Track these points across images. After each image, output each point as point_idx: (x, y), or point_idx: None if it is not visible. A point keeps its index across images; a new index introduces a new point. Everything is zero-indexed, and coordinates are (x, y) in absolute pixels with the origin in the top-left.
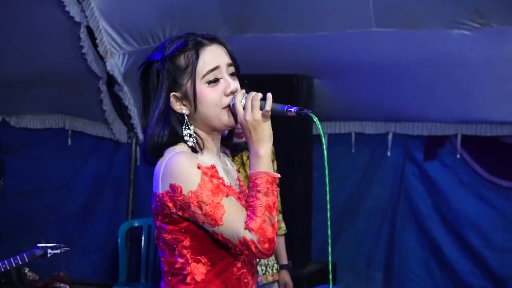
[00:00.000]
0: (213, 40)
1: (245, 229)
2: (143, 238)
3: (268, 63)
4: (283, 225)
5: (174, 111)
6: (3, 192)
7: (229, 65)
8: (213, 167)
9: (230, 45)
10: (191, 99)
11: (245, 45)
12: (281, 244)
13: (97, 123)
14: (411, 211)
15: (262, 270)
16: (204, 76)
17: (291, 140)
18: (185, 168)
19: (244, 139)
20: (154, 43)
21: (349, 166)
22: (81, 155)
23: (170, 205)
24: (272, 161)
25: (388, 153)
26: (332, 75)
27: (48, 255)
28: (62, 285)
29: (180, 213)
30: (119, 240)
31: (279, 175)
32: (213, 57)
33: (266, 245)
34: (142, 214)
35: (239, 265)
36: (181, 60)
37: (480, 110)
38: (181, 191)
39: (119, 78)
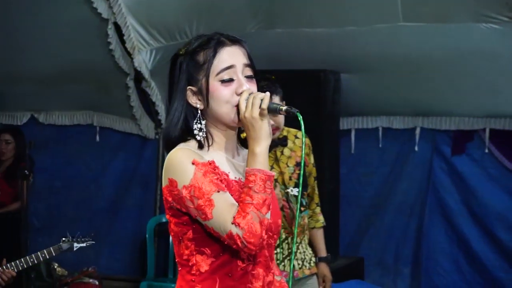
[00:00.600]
0: (235, 41)
1: (232, 223)
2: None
3: (295, 58)
4: (321, 217)
5: (190, 105)
6: (33, 188)
7: (246, 66)
8: (210, 163)
9: (258, 40)
10: (204, 94)
11: (273, 41)
12: (319, 236)
13: (125, 119)
14: (439, 206)
15: (298, 264)
16: (218, 73)
17: (319, 136)
18: (181, 163)
19: (276, 135)
20: (181, 39)
21: (376, 161)
22: (109, 151)
23: (170, 199)
24: (287, 157)
25: (416, 148)
26: (359, 70)
27: (75, 249)
28: (91, 280)
29: (178, 206)
30: (147, 235)
31: (273, 173)
32: (230, 56)
33: (252, 240)
34: None
35: (243, 256)
36: (200, 56)
37: (509, 104)
38: (176, 186)
39: (146, 74)
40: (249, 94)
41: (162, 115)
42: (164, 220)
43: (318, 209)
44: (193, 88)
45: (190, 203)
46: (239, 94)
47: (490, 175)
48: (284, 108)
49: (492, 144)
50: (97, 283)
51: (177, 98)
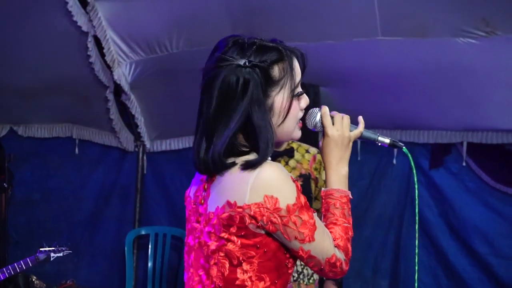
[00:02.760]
0: (293, 50)
1: (334, 247)
2: (150, 246)
3: None
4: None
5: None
6: (12, 200)
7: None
8: (295, 180)
9: None
10: (279, 112)
11: None
12: None
13: (104, 132)
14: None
15: (293, 277)
16: (294, 89)
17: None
18: (283, 181)
19: (284, 146)
20: (161, 52)
21: (355, 174)
22: (88, 164)
23: (258, 217)
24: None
25: (394, 161)
26: (338, 84)
27: (51, 259)
28: None
29: (267, 227)
30: (126, 248)
31: (352, 197)
32: (298, 69)
33: (347, 266)
34: (149, 222)
35: (290, 278)
36: (275, 71)
37: (486, 118)
38: (276, 204)
39: (126, 87)
40: (331, 111)
41: (142, 128)
42: (143, 232)
43: None
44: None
45: (293, 224)
46: (303, 109)
47: (468, 188)
48: (387, 141)
49: (469, 158)
50: None
51: (241, 114)
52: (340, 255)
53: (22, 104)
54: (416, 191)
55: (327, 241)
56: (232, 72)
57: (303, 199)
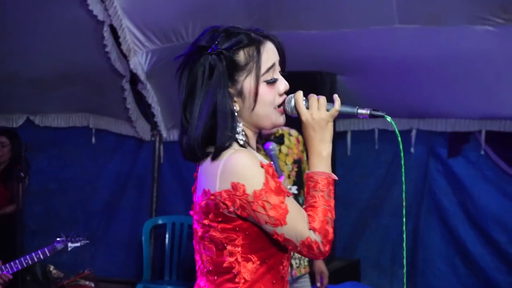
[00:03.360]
0: (268, 37)
1: (309, 229)
2: (167, 235)
3: (291, 60)
4: None
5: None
6: (29, 190)
7: (279, 63)
8: (270, 165)
9: None
10: (249, 97)
11: None
12: None
13: (120, 121)
14: (435, 208)
15: (296, 263)
16: (263, 74)
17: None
18: (249, 167)
19: (272, 131)
20: (177, 41)
21: (372, 163)
22: (105, 153)
23: (229, 203)
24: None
25: (412, 150)
26: (355, 72)
27: (69, 248)
28: (87, 282)
29: (239, 212)
30: (143, 237)
31: (337, 178)
32: (270, 55)
33: (327, 247)
34: (166, 212)
35: (285, 263)
36: (241, 56)
37: (504, 106)
38: (244, 190)
39: (142, 77)
40: (308, 95)
41: (158, 117)
42: (160, 222)
43: None
44: (231, 90)
45: (262, 209)
46: (282, 94)
47: (486, 177)
48: (366, 111)
49: (488, 146)
50: (93, 285)
51: (209, 100)
52: (316, 237)
53: (38, 93)
54: (403, 169)
55: (300, 224)
56: (199, 60)
57: (273, 183)
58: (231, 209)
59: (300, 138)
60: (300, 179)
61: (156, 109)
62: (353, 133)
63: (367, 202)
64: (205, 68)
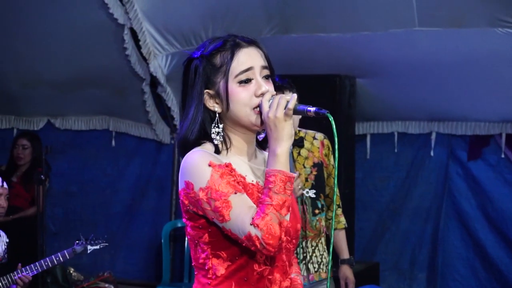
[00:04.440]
0: (251, 42)
1: (251, 224)
2: (186, 238)
3: (310, 63)
4: (342, 219)
5: (207, 109)
6: (50, 192)
7: (264, 67)
8: (227, 165)
9: (273, 45)
10: (223, 97)
11: (288, 46)
12: (340, 238)
13: (140, 124)
14: (455, 211)
15: (314, 268)
16: (236, 75)
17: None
18: (197, 165)
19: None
20: (197, 44)
21: (392, 166)
22: (125, 156)
23: (186, 202)
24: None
25: (432, 153)
26: (375, 75)
27: (89, 251)
28: (106, 285)
29: (194, 209)
30: (162, 240)
31: (294, 175)
32: (248, 58)
33: (271, 242)
34: None
35: (260, 261)
36: (217, 59)
37: None
38: (192, 188)
39: (162, 80)
40: (273, 95)
41: (177, 120)
42: (179, 224)
43: (339, 211)
44: (210, 92)
45: (207, 205)
46: (259, 96)
47: (506, 180)
48: (313, 109)
49: (508, 149)
50: (112, 287)
51: (193, 102)
52: (257, 232)
53: (59, 96)
54: (331, 165)
55: (242, 220)
56: (188, 66)
57: (219, 181)
58: (189, 207)
59: (326, 142)
60: (320, 183)
61: (176, 112)
62: (372, 136)
63: (386, 205)
64: (191, 72)
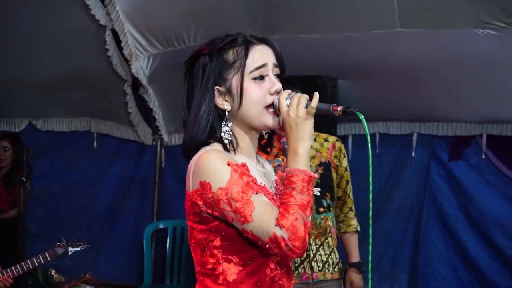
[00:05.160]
0: (263, 40)
1: (276, 225)
2: (168, 239)
3: (293, 64)
4: (354, 222)
5: (216, 106)
6: (31, 194)
7: (276, 66)
8: (244, 165)
9: None
10: (236, 94)
11: None
12: (351, 241)
13: (122, 126)
14: (436, 212)
15: (318, 266)
16: (251, 72)
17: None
18: (215, 165)
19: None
20: (179, 46)
21: (374, 167)
22: (107, 158)
23: (200, 203)
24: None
25: (413, 154)
26: (357, 76)
27: (69, 253)
28: (88, 287)
29: (209, 211)
30: (144, 242)
31: (315, 175)
32: (261, 55)
33: (297, 243)
34: (168, 216)
35: (272, 265)
36: (230, 55)
37: (506, 110)
38: (210, 188)
39: (144, 81)
40: (289, 94)
41: (159, 122)
42: (161, 226)
43: (351, 214)
44: (221, 89)
45: (227, 206)
46: (272, 94)
47: (488, 181)
48: (340, 108)
49: (489, 150)
50: None
51: (203, 99)
52: (283, 233)
53: (40, 98)
54: (370, 169)
55: (267, 221)
56: (194, 62)
57: (240, 181)
58: (203, 208)
59: (338, 144)
60: (326, 182)
61: (158, 113)
62: (354, 137)
63: (368, 205)
64: (199, 68)
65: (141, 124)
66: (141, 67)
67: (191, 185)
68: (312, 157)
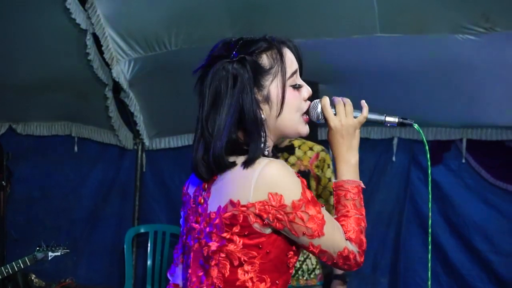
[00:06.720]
0: (283, 42)
1: (346, 240)
2: (149, 244)
3: None
4: None
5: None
6: (11, 198)
7: (299, 67)
8: (300, 176)
9: None
10: (276, 101)
11: None
12: None
13: (103, 130)
14: (416, 216)
15: (304, 276)
16: (289, 78)
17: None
18: (287, 177)
19: (285, 143)
20: (160, 50)
21: None
22: (87, 162)
23: (264, 215)
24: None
25: (394, 158)
26: (337, 81)
27: (49, 258)
28: None
29: (273, 224)
30: (125, 246)
31: (364, 186)
32: (292, 59)
33: (363, 258)
34: (149, 220)
35: (288, 283)
36: (264, 59)
37: (486, 115)
38: (280, 200)
39: (125, 85)
40: (331, 100)
41: (140, 126)
42: (142, 230)
43: None
44: (258, 96)
45: (300, 220)
46: (306, 100)
47: (467, 185)
48: (395, 120)
49: (469, 154)
50: None
51: (235, 109)
52: (353, 247)
53: (20, 101)
54: (430, 178)
55: (337, 235)
56: (220, 69)
57: (309, 194)
58: (266, 222)
59: (322, 154)
60: None
61: (139, 118)
62: None
63: None
64: (228, 77)
65: (122, 128)
66: (122, 71)
67: (252, 196)
68: (292, 165)
